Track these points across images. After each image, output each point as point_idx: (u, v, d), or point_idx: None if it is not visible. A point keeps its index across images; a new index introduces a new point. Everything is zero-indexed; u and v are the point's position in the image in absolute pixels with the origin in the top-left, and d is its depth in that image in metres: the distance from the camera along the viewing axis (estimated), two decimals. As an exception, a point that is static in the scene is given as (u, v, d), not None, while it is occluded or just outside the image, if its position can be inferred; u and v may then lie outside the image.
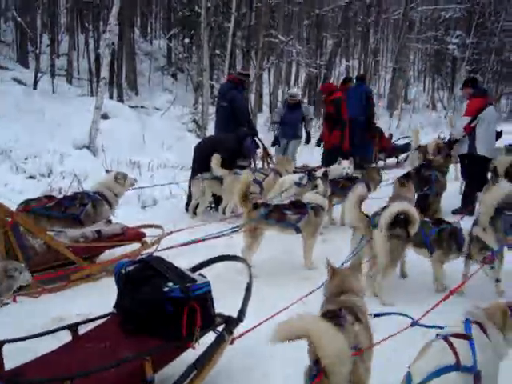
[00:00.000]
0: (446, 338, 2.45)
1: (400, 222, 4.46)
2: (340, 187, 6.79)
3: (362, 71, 20.79)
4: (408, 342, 2.83)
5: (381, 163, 11.54)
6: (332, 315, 2.57)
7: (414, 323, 2.89)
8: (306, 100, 18.58)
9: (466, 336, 2.48)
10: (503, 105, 26.19)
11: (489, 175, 7.69)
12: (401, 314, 2.91)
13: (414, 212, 4.47)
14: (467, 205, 7.52)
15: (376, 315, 2.85)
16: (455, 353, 2.33)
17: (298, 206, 5.38)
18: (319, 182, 5.83)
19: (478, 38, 24.59)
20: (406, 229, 4.52)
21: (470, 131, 7.76)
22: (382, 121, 17.49)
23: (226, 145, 7.22)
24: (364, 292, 2.97)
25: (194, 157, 7.46)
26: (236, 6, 12.62)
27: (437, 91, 26.44)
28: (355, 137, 9.77)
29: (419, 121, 19.55)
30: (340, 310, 2.64)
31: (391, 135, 12.60)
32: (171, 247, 4.72)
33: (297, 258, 5.40)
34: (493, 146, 8.14)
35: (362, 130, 10.33)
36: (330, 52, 18.42)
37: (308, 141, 9.77)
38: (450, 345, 2.38)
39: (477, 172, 7.85)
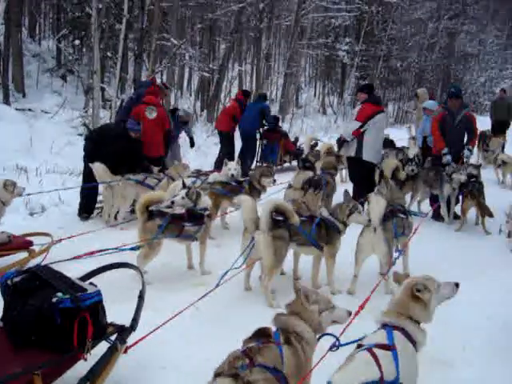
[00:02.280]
0: (369, 350, 2.65)
1: (281, 222, 4.95)
2: (229, 190, 7.24)
3: (254, 76, 22.37)
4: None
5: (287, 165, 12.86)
6: (263, 333, 2.86)
7: (337, 345, 2.99)
8: (199, 104, 19.81)
9: (389, 347, 2.70)
10: (390, 110, 28.81)
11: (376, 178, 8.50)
12: (326, 334, 3.10)
13: (287, 205, 5.04)
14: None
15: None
16: (379, 366, 2.55)
17: (195, 216, 5.59)
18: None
19: (367, 45, 26.80)
20: (289, 229, 5.02)
21: (357, 135, 8.46)
22: None
23: (115, 132, 7.79)
24: (316, 322, 3.10)
25: (84, 150, 7.79)
26: (128, 8, 12.92)
27: (327, 96, 28.53)
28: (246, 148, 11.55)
29: (310, 125, 21.08)
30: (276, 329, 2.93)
31: (297, 138, 14.04)
32: (65, 259, 4.30)
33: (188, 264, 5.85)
34: (379, 152, 8.87)
35: (253, 140, 11.89)
36: (222, 56, 19.57)
37: (192, 145, 10.86)
38: (374, 357, 2.59)
39: (364, 175, 8.57)
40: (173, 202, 5.68)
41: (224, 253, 5.89)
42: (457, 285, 3.19)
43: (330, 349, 2.96)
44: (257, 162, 12.06)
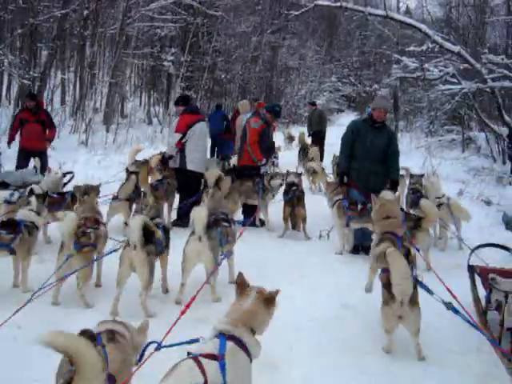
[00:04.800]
0: (195, 358, 2.73)
1: (148, 237, 5.34)
2: (50, 203, 7.16)
3: (78, 84, 22.97)
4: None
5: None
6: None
7: (158, 346, 3.25)
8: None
9: (216, 357, 2.79)
10: None
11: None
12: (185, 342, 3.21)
13: (150, 222, 5.51)
14: (183, 216, 8.63)
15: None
16: (203, 372, 2.66)
17: (11, 225, 5.75)
18: (33, 199, 6.36)
19: (193, 56, 28.49)
20: (154, 244, 5.46)
21: (181, 146, 9.04)
22: (99, 135, 19.89)
23: None
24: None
25: None
26: None
27: (153, 106, 29.72)
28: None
29: (136, 135, 21.59)
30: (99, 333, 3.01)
31: None
32: None
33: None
34: (202, 161, 9.43)
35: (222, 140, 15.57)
36: (44, 63, 19.79)
37: None
38: (199, 365, 2.68)
39: (190, 185, 9.11)
40: None
41: (49, 268, 5.77)
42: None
43: (156, 349, 3.26)
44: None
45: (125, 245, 5.45)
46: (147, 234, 5.32)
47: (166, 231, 6.12)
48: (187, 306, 3.99)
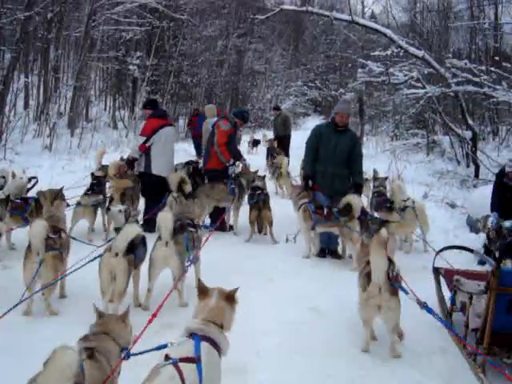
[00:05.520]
0: (175, 365, 2.76)
1: (131, 247, 5.37)
2: (13, 208, 7.30)
3: (41, 88, 22.64)
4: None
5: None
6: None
7: (126, 355, 3.27)
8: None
9: (194, 359, 2.86)
10: (181, 125, 30.33)
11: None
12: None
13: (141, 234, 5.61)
14: (148, 221, 8.19)
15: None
16: (183, 381, 2.68)
17: None
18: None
19: (158, 60, 28.43)
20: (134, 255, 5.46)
21: (146, 150, 8.99)
22: (64, 140, 19.59)
23: None
24: (126, 340, 3.44)
25: None
26: None
27: (118, 110, 29.42)
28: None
29: (101, 139, 21.45)
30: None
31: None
32: None
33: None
34: (168, 165, 9.34)
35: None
36: (7, 67, 19.41)
37: None
38: (179, 372, 2.71)
39: (155, 189, 9.04)
40: None
41: (13, 275, 5.84)
42: None
43: (123, 359, 3.26)
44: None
45: (104, 251, 5.40)
46: (132, 245, 5.33)
47: (145, 244, 6.03)
48: (154, 316, 3.99)
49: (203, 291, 3.48)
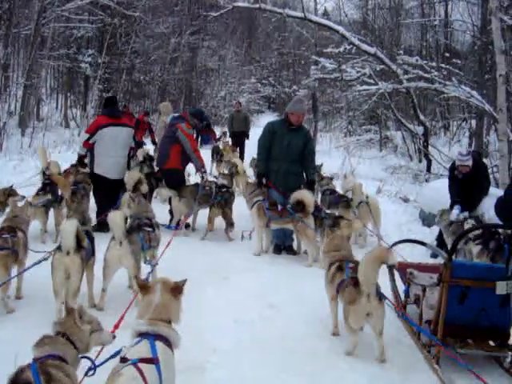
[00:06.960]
0: (136, 365, 2.76)
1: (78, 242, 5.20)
2: None
3: None
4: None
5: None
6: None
7: (93, 368, 3.26)
8: None
9: (153, 360, 2.87)
10: None
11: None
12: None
13: (80, 227, 5.30)
14: (101, 221, 8.02)
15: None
16: (145, 381, 2.69)
17: None
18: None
19: (110, 57, 27.78)
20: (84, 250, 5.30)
21: (89, 147, 8.77)
22: (15, 139, 19.03)
23: None
24: (85, 343, 3.30)
25: None
26: None
27: (70, 109, 28.87)
28: None
29: (53, 139, 21.02)
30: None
31: None
32: None
33: None
34: (114, 167, 8.87)
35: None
36: None
37: None
38: (140, 372, 2.73)
39: (102, 190, 8.89)
40: None
41: None
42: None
43: (86, 374, 3.24)
44: None
45: (54, 251, 5.26)
46: (78, 240, 5.21)
47: (91, 239, 5.90)
48: (116, 327, 3.89)
49: (144, 287, 3.38)
